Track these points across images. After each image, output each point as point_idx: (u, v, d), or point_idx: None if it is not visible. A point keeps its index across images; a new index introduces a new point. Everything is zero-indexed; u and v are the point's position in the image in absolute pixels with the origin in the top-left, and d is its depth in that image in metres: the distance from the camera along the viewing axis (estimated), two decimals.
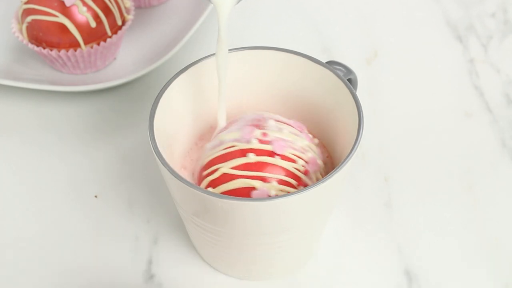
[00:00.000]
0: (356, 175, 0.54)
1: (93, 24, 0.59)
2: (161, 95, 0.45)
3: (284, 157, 0.43)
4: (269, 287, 0.48)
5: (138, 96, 0.62)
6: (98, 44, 0.60)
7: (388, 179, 0.54)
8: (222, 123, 0.47)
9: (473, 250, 0.50)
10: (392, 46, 0.66)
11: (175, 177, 0.41)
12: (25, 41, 0.60)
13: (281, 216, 0.41)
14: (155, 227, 0.52)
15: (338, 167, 0.41)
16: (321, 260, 0.49)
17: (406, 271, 0.49)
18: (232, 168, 0.43)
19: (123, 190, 0.54)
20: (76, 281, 0.49)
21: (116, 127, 0.59)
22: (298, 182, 0.43)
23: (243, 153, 0.43)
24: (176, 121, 0.47)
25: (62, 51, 0.59)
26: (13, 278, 0.49)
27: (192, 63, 0.48)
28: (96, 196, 0.54)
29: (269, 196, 0.42)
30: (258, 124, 0.45)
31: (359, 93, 0.50)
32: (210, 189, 0.44)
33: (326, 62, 0.48)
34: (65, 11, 0.58)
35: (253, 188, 0.43)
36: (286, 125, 0.45)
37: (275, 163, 0.43)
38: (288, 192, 0.43)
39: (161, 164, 0.42)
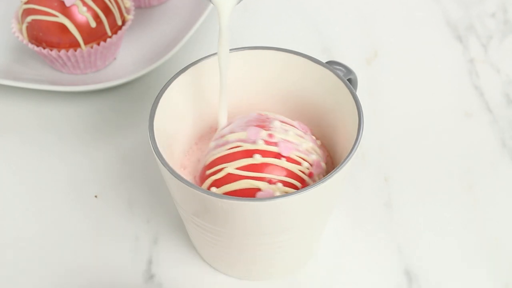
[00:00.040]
0: (356, 175, 0.54)
1: (93, 24, 0.59)
2: (161, 95, 0.45)
3: (290, 159, 0.43)
4: (269, 287, 0.48)
5: (138, 96, 0.62)
6: (98, 44, 0.60)
7: (388, 179, 0.54)
8: (223, 122, 0.47)
9: (473, 250, 0.50)
10: (392, 46, 0.66)
11: (175, 177, 0.41)
12: (25, 41, 0.60)
13: (281, 216, 0.41)
14: (155, 227, 0.52)
15: (338, 167, 0.41)
16: (321, 260, 0.49)
17: (406, 271, 0.49)
18: (237, 168, 0.43)
19: (123, 190, 0.54)
20: (76, 281, 0.49)
21: (116, 127, 0.59)
22: (302, 184, 0.43)
23: (249, 153, 0.43)
24: (176, 121, 0.47)
25: (62, 51, 0.59)
26: (13, 278, 0.49)
27: (192, 63, 0.48)
28: (96, 196, 0.54)
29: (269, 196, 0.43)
30: (263, 125, 0.45)
31: (359, 93, 0.50)
32: (213, 188, 0.44)
33: (326, 62, 0.48)
34: (65, 11, 0.58)
35: (258, 189, 0.43)
36: (291, 126, 0.45)
37: (281, 165, 0.43)
38: None
39: (161, 164, 0.42)
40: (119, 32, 0.61)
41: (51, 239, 0.51)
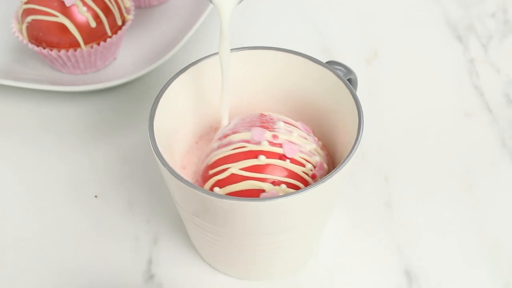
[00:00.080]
0: (356, 175, 0.54)
1: (93, 24, 0.59)
2: (161, 95, 0.45)
3: (294, 161, 0.43)
4: (269, 287, 0.48)
5: (138, 96, 0.62)
6: (98, 44, 0.60)
7: (388, 179, 0.54)
8: (225, 121, 0.47)
9: (473, 250, 0.50)
10: (392, 46, 0.66)
11: (175, 177, 0.41)
12: (25, 41, 0.60)
13: (281, 216, 0.41)
14: (155, 227, 0.52)
15: (338, 167, 0.41)
16: (321, 260, 0.49)
17: (406, 271, 0.49)
18: (242, 169, 0.43)
19: (123, 190, 0.54)
20: (76, 281, 0.49)
21: (116, 127, 0.59)
22: (305, 186, 0.43)
23: (253, 154, 0.43)
24: (176, 121, 0.47)
25: (62, 51, 0.59)
26: (13, 278, 0.49)
27: (192, 63, 0.48)
28: (96, 196, 0.54)
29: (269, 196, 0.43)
30: (267, 125, 0.45)
31: (359, 93, 0.50)
32: (216, 189, 0.44)
33: (326, 62, 0.48)
34: (65, 11, 0.58)
35: (262, 191, 0.43)
36: (294, 127, 0.45)
37: (285, 167, 0.43)
38: None
39: (161, 164, 0.42)
40: (119, 32, 0.61)
41: (51, 239, 0.51)
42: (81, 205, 0.53)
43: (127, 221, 0.52)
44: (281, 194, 0.42)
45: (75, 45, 0.60)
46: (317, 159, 0.45)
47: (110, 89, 0.62)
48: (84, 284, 0.48)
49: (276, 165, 0.43)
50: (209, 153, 0.45)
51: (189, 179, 0.47)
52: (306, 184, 0.43)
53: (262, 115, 0.46)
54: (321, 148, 0.47)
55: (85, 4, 0.59)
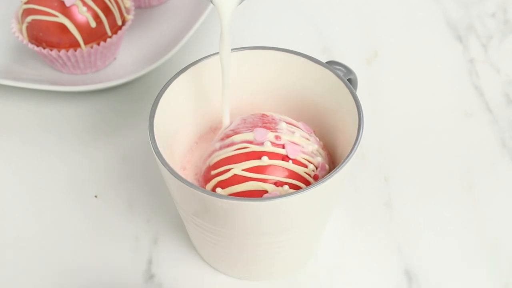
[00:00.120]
0: (356, 175, 0.54)
1: (93, 24, 0.59)
2: (161, 95, 0.45)
3: (296, 162, 0.43)
4: (269, 287, 0.48)
5: (138, 96, 0.62)
6: (98, 44, 0.60)
7: (388, 179, 0.54)
8: (226, 121, 0.47)
9: (473, 250, 0.50)
10: (392, 46, 0.66)
11: (175, 177, 0.41)
12: (25, 41, 0.60)
13: (281, 216, 0.41)
14: (155, 227, 0.52)
15: (338, 167, 0.41)
16: (321, 260, 0.49)
17: (406, 271, 0.49)
18: (244, 170, 0.43)
19: (123, 190, 0.54)
20: (76, 281, 0.49)
21: (116, 127, 0.59)
22: None
23: (256, 155, 0.43)
24: (176, 121, 0.47)
25: (62, 51, 0.59)
26: (13, 278, 0.49)
27: (192, 63, 0.48)
28: (96, 196, 0.54)
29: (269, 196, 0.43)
30: (270, 126, 0.45)
31: (359, 93, 0.50)
32: (218, 189, 0.43)
33: (326, 62, 0.48)
34: (65, 11, 0.58)
35: (265, 191, 0.43)
36: (296, 128, 0.45)
37: (288, 167, 0.43)
38: None
39: (161, 164, 0.42)
40: (119, 32, 0.61)
41: (51, 239, 0.51)
42: (81, 205, 0.53)
43: (127, 221, 0.52)
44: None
45: (75, 45, 0.60)
46: (319, 159, 0.45)
47: (110, 89, 0.62)
48: (84, 284, 0.48)
49: (278, 166, 0.43)
50: (211, 154, 0.45)
51: (189, 179, 0.47)
52: (308, 185, 0.43)
53: (264, 115, 0.46)
54: (322, 148, 0.47)
55: (85, 4, 0.59)
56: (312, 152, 0.44)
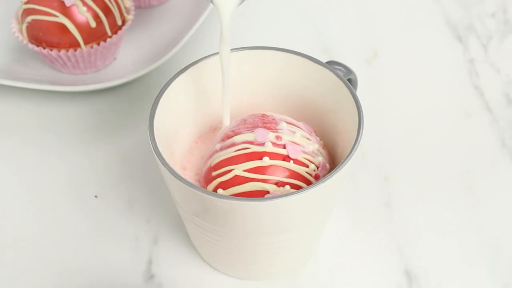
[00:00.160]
0: (356, 175, 0.54)
1: (93, 24, 0.59)
2: (161, 95, 0.45)
3: (297, 162, 0.43)
4: (269, 287, 0.48)
5: (138, 96, 0.62)
6: (98, 44, 0.60)
7: (388, 179, 0.54)
8: (226, 122, 0.47)
9: (473, 250, 0.50)
10: (392, 46, 0.66)
11: (175, 177, 0.41)
12: (25, 41, 0.60)
13: (281, 216, 0.41)
14: (155, 227, 0.52)
15: (338, 167, 0.41)
16: (321, 260, 0.49)
17: (406, 271, 0.49)
18: (245, 170, 0.43)
19: (123, 190, 0.54)
20: (76, 281, 0.49)
21: (116, 127, 0.59)
22: None
23: (257, 156, 0.43)
24: (176, 121, 0.47)
25: (62, 51, 0.59)
26: (13, 278, 0.49)
27: (192, 63, 0.48)
28: (96, 196, 0.54)
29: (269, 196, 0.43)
30: (270, 126, 0.45)
31: (359, 93, 0.50)
32: (220, 190, 0.43)
33: (326, 62, 0.48)
34: (65, 11, 0.58)
35: (266, 192, 0.43)
36: (297, 127, 0.45)
37: (289, 168, 0.43)
38: None
39: (161, 164, 0.42)
40: (119, 32, 0.61)
41: (51, 239, 0.51)
42: (81, 205, 0.53)
43: (127, 221, 0.52)
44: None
45: (75, 45, 0.60)
46: (320, 159, 0.45)
47: (110, 89, 0.62)
48: (84, 284, 0.48)
49: (280, 166, 0.43)
50: (212, 155, 0.45)
51: (189, 179, 0.47)
52: (310, 184, 0.43)
53: (264, 115, 0.46)
54: (323, 148, 0.47)
55: (85, 4, 0.59)
56: (313, 151, 0.44)
